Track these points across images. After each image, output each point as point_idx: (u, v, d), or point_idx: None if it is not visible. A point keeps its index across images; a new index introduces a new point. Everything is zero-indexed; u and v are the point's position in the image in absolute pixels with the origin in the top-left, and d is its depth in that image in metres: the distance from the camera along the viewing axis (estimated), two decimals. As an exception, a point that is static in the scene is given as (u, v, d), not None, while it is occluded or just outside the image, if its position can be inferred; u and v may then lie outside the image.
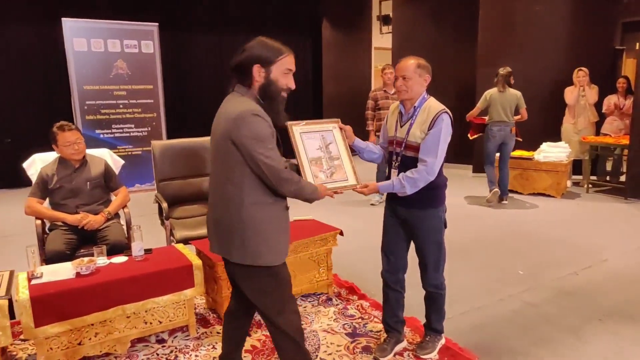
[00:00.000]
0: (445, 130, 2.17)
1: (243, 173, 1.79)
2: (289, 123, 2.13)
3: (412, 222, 2.31)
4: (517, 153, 6.16)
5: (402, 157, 2.26)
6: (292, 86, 1.89)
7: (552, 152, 5.83)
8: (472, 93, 7.32)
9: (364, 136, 5.74)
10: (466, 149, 7.57)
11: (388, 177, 2.36)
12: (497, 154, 5.62)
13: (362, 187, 2.17)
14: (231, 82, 1.90)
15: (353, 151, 2.30)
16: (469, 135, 6.05)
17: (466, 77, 7.53)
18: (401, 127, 2.29)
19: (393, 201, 2.37)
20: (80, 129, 6.22)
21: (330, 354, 2.51)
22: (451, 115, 2.23)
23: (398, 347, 2.49)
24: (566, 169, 5.87)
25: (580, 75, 6.07)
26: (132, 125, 6.87)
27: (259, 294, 1.90)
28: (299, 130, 2.18)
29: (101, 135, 6.62)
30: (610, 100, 6.21)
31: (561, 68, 6.56)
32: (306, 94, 9.41)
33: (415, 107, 2.25)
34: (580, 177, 6.49)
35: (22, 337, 2.41)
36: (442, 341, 2.53)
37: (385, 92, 5.60)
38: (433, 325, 2.49)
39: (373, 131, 5.64)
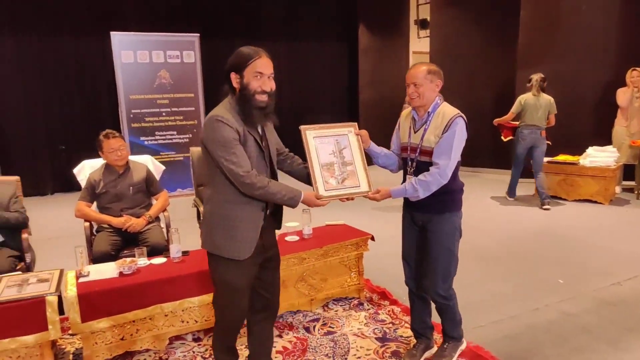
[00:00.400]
0: (459, 134, 2.17)
1: (215, 173, 1.93)
2: (302, 127, 2.15)
3: (428, 227, 2.30)
4: (562, 158, 5.98)
5: (417, 162, 2.26)
6: (266, 88, 1.92)
7: (599, 157, 5.61)
8: (510, 96, 7.15)
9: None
10: (507, 154, 7.42)
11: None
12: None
13: (374, 193, 2.16)
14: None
15: (368, 157, 2.28)
16: (502, 137, 6.00)
17: (505, 80, 7.38)
18: (415, 132, 2.29)
19: (409, 207, 2.37)
20: (126, 137, 6.60)
21: (359, 357, 2.54)
22: (466, 119, 2.22)
23: (427, 354, 2.49)
24: (614, 175, 5.62)
25: (635, 75, 5.81)
26: (175, 133, 7.13)
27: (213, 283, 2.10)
28: (312, 134, 2.16)
29: (145, 142, 6.91)
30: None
31: (611, 68, 6.32)
32: (342, 99, 9.45)
33: (429, 112, 2.24)
34: (632, 183, 6.19)
35: (70, 332, 2.57)
36: (463, 346, 2.49)
37: None
38: (449, 333, 2.46)
39: None
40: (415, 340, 2.54)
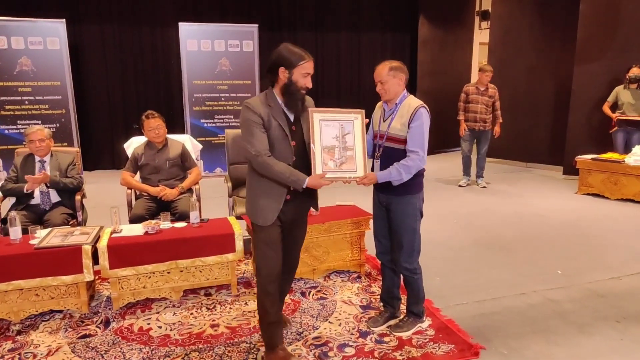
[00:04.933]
0: (425, 124, 2.41)
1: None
2: (310, 109, 2.27)
3: (391, 207, 2.54)
4: (607, 156, 5.75)
5: (384, 148, 2.51)
6: (310, 86, 2.23)
7: (645, 156, 5.34)
8: (568, 91, 6.90)
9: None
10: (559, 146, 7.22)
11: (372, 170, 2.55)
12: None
13: (362, 178, 2.32)
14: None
15: None
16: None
17: (564, 75, 7.12)
18: (384, 121, 2.53)
19: (376, 189, 2.61)
20: (187, 119, 7.26)
21: (339, 320, 2.84)
22: (428, 109, 2.44)
23: (391, 322, 2.74)
24: (659, 174, 5.33)
25: None
26: (232, 117, 7.72)
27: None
28: (318, 117, 2.27)
29: (205, 124, 7.57)
30: None
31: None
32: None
33: (397, 104, 2.49)
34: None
35: (101, 275, 3.12)
36: (423, 324, 2.70)
37: (477, 88, 6.17)
38: (410, 308, 2.69)
39: (462, 120, 6.29)
40: (382, 309, 2.80)
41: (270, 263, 2.31)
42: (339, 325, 2.78)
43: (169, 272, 3.08)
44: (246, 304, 3.09)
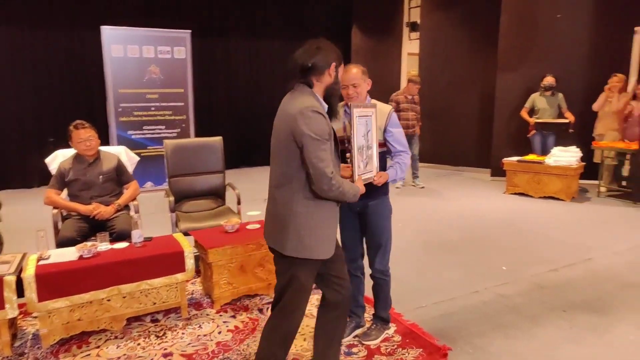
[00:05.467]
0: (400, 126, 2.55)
1: (298, 169, 1.84)
2: (352, 104, 2.10)
3: (367, 211, 2.49)
4: (530, 157, 6.18)
5: None
6: None
7: (562, 157, 5.83)
8: (492, 98, 7.32)
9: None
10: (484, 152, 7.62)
11: None
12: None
13: (378, 178, 2.33)
14: (291, 80, 1.94)
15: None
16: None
17: (489, 82, 7.56)
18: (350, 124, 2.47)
19: None
20: (113, 130, 6.74)
21: (302, 334, 2.72)
22: None
23: (358, 331, 2.68)
24: (576, 173, 5.84)
25: (614, 81, 6.06)
26: (163, 127, 7.30)
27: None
28: (357, 113, 2.05)
29: (132, 136, 7.09)
30: (629, 106, 6.08)
31: (585, 74, 6.55)
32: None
33: None
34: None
35: (26, 309, 2.72)
36: (389, 331, 2.69)
37: (406, 97, 6.44)
38: (379, 313, 2.67)
39: None
40: (348, 319, 2.72)
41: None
42: (304, 340, 2.67)
43: (109, 300, 2.77)
44: (200, 326, 2.87)
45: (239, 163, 8.48)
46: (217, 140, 4.28)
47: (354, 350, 2.55)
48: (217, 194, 4.23)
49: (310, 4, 9.12)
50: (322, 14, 9.29)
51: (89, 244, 2.88)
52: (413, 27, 9.81)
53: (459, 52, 8.13)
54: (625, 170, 6.09)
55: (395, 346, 2.57)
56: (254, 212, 3.54)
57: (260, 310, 3.05)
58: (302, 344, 2.63)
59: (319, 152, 1.78)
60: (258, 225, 3.39)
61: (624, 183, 6.15)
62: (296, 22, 9.04)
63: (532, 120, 6.49)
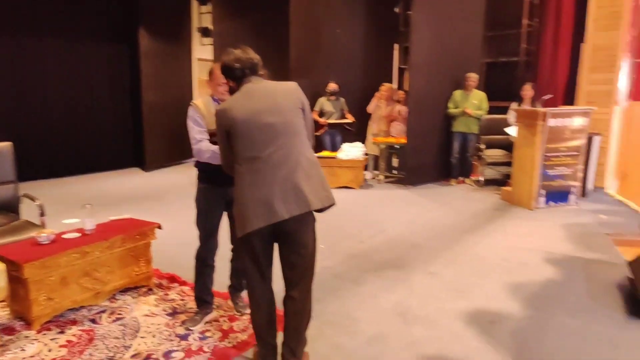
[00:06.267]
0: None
1: (307, 136, 2.25)
2: None
3: (230, 196, 2.52)
4: (324, 154, 7.06)
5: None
6: None
7: (351, 151, 6.86)
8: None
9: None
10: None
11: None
12: None
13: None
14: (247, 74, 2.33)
15: None
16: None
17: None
18: None
19: (223, 185, 2.58)
20: None
21: (151, 332, 2.68)
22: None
23: (208, 317, 2.82)
24: (362, 165, 6.94)
25: (382, 90, 7.35)
26: None
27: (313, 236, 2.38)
28: None
29: None
30: (395, 109, 7.54)
31: (362, 82, 7.79)
32: (124, 101, 9.07)
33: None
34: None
35: None
36: (212, 314, 2.88)
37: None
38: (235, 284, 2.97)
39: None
40: (197, 308, 2.85)
41: None
42: (153, 337, 2.64)
43: None
44: (22, 349, 2.54)
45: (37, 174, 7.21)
46: (6, 146, 3.75)
47: (208, 334, 2.67)
48: (8, 208, 3.70)
49: (93, 2, 8.41)
50: (103, 14, 8.64)
51: None
52: (205, 32, 9.95)
53: (254, 58, 8.62)
54: (395, 162, 7.52)
55: (247, 323, 2.76)
56: (72, 220, 3.26)
57: (93, 321, 2.85)
58: (152, 340, 2.60)
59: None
60: (78, 234, 3.12)
61: (394, 172, 7.58)
62: (75, 21, 8.20)
63: (323, 121, 7.38)
